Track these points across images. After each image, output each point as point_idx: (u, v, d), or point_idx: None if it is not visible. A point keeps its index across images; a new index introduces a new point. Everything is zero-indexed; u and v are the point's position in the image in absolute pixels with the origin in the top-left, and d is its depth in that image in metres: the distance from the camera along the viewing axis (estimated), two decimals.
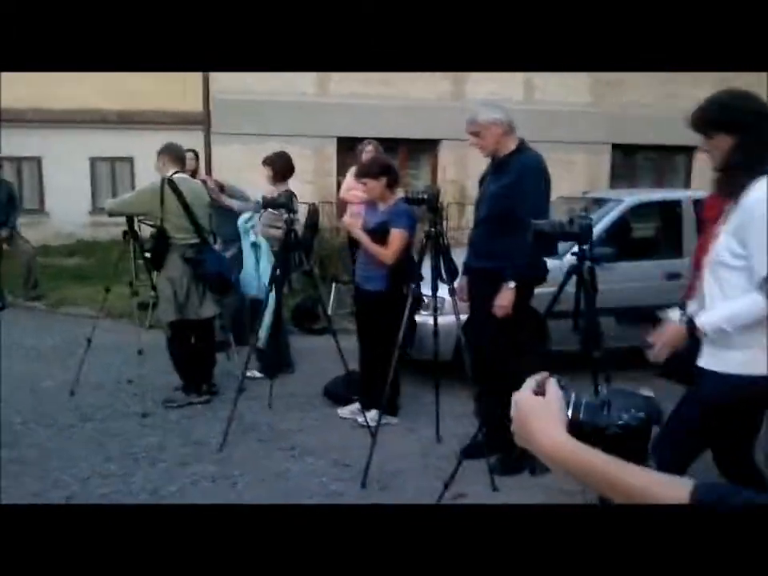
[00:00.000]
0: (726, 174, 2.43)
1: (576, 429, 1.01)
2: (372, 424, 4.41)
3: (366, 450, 3.95)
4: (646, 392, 1.05)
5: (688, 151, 12.51)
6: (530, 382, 1.09)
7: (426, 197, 4.06)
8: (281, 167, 5.41)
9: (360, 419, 4.66)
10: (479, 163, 11.79)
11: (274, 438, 4.58)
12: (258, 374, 5.57)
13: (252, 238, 5.52)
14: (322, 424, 4.82)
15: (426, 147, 11.27)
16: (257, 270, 5.44)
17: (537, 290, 4.03)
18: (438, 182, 10.80)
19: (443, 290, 4.24)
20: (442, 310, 4.57)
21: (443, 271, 4.18)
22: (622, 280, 5.50)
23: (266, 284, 5.00)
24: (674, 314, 2.62)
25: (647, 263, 5.93)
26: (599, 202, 6.26)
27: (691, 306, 2.66)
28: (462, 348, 4.09)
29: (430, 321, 4.96)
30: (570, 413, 1.02)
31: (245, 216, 5.62)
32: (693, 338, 2.55)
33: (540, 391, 1.07)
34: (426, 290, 4.36)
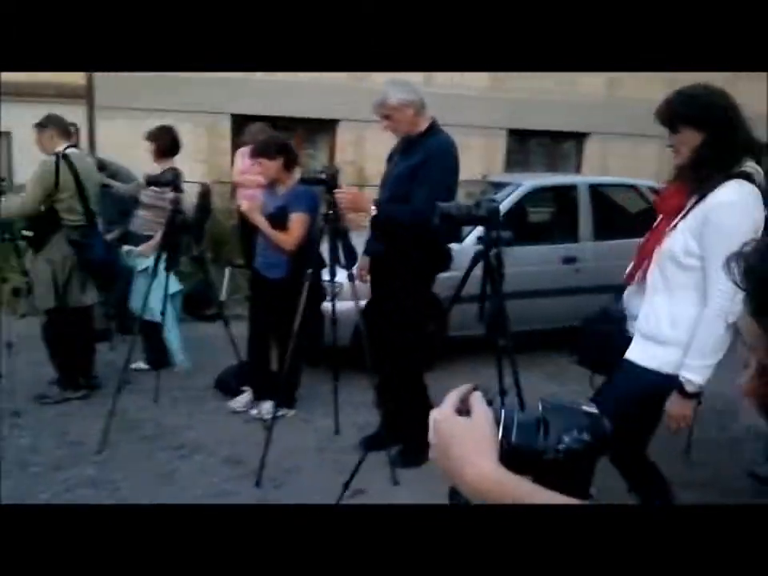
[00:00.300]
0: (692, 171, 2.31)
1: (507, 454, 0.83)
2: (267, 417, 4.19)
3: (261, 445, 3.72)
4: (590, 408, 0.88)
5: (579, 137, 12.83)
6: (452, 398, 0.91)
7: (323, 177, 3.83)
8: (164, 143, 5.00)
9: (254, 412, 4.41)
10: (378, 144, 11.56)
11: (160, 435, 4.26)
12: (143, 366, 5.20)
13: (140, 264, 5.06)
14: (213, 419, 4.53)
15: (324, 127, 10.98)
16: (148, 293, 4.84)
17: (440, 276, 3.90)
18: (335, 163, 10.55)
19: (341, 275, 4.05)
20: (339, 296, 4.41)
21: (341, 256, 3.98)
22: (520, 264, 5.48)
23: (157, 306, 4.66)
24: None
25: (544, 247, 5.94)
26: (498, 186, 6.22)
27: (628, 292, 2.58)
28: (361, 334, 3.94)
29: (328, 307, 4.80)
30: (499, 434, 0.85)
31: (125, 248, 5.13)
32: (612, 326, 2.49)
33: (464, 408, 0.89)
34: (323, 275, 4.16)
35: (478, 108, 11.50)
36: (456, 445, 0.85)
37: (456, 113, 11.23)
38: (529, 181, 6.19)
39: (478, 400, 0.89)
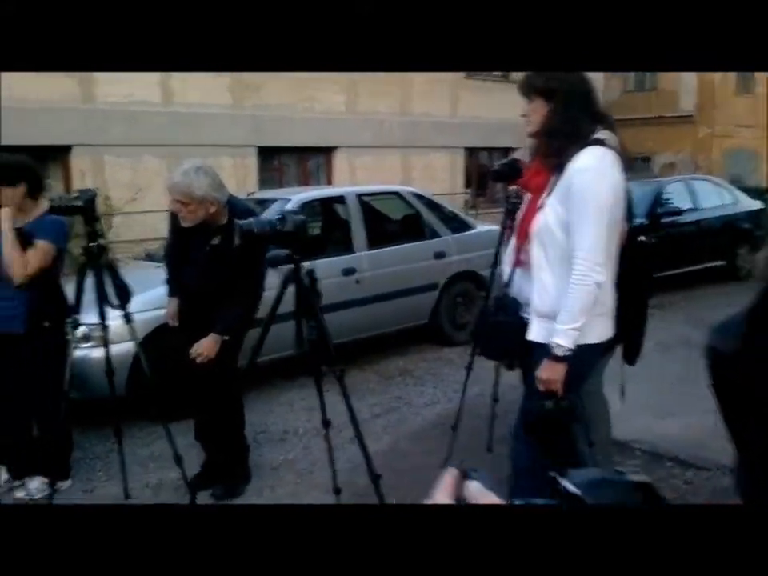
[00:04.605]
0: (544, 141, 2.44)
1: None
2: (39, 496, 3.51)
3: None
4: (639, 477, 0.65)
5: (327, 151, 12.97)
6: (446, 484, 0.64)
7: (80, 204, 3.25)
8: None
9: (20, 494, 3.64)
10: (118, 169, 10.63)
11: None
12: None
13: None
14: None
15: (56, 154, 9.88)
16: None
17: None
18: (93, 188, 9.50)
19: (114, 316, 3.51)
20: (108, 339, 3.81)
21: (111, 294, 3.43)
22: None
23: None
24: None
25: (322, 261, 5.75)
26: (266, 203, 5.92)
27: (517, 277, 2.59)
28: (138, 381, 3.45)
29: (95, 354, 4.21)
30: None
31: None
32: (509, 315, 2.53)
33: (459, 496, 0.63)
34: (90, 317, 3.56)
35: (223, 126, 11.11)
36: None
37: (201, 132, 10.77)
38: (297, 195, 5.97)
39: (480, 492, 0.63)
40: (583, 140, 2.37)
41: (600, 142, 2.38)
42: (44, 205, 3.48)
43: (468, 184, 14.64)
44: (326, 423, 2.75)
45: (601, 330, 2.45)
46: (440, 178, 13.89)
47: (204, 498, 3.48)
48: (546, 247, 2.41)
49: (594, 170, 2.31)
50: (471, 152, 14.79)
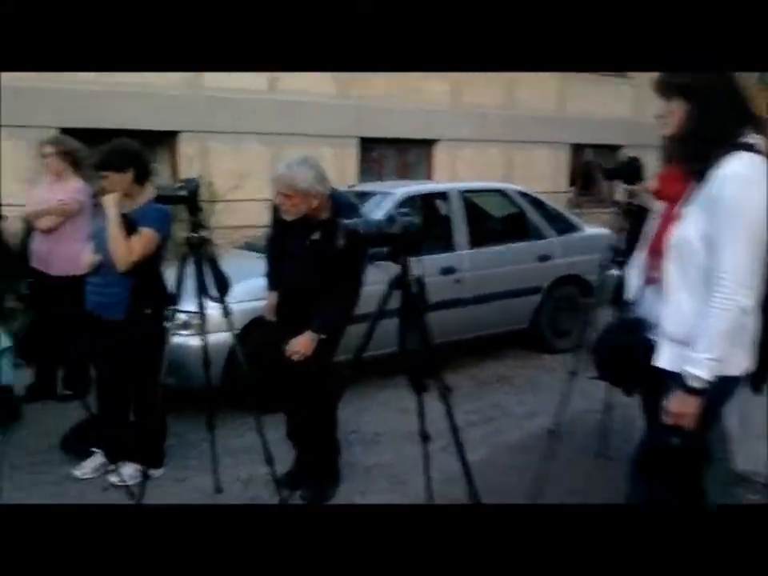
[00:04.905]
0: (680, 145, 2.20)
1: None
2: (131, 482, 3.51)
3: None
4: None
5: (428, 144, 12.77)
6: None
7: (184, 194, 3.20)
8: None
9: (113, 479, 3.66)
10: (222, 156, 10.80)
11: None
12: None
13: None
14: (60, 490, 3.71)
15: (163, 139, 10.11)
16: None
17: None
18: (198, 177, 9.67)
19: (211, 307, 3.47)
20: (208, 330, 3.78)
21: (210, 285, 3.38)
22: None
23: None
24: None
25: (421, 259, 5.58)
26: (366, 196, 5.80)
27: (649, 296, 2.32)
28: (234, 372, 3.48)
29: (191, 342, 4.21)
30: None
31: None
32: (634, 336, 2.27)
33: None
34: (189, 305, 3.54)
35: (326, 116, 11.09)
36: None
37: (303, 121, 10.80)
38: (399, 189, 5.82)
39: None
40: (729, 144, 2.10)
41: (749, 147, 2.11)
42: (150, 191, 3.48)
43: (572, 182, 14.12)
44: (425, 438, 2.59)
45: (742, 361, 2.16)
46: (542, 175, 13.44)
47: (293, 497, 3.40)
48: (684, 263, 2.14)
49: (742, 178, 2.05)
50: (577, 148, 14.26)
